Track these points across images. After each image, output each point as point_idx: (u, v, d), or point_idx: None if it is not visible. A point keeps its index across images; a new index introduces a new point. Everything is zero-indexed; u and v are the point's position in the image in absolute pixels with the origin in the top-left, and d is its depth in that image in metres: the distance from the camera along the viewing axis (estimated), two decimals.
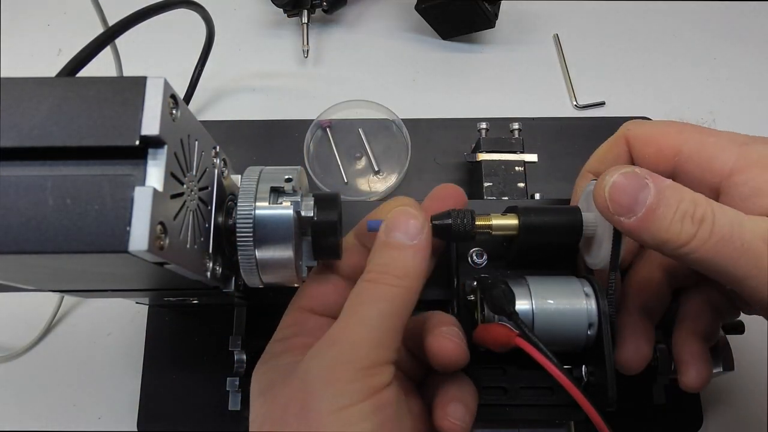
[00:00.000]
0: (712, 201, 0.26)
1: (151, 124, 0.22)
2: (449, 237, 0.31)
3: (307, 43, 0.54)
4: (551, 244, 0.33)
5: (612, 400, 0.30)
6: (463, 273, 0.35)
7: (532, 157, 0.44)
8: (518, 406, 0.34)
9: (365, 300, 0.27)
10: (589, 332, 0.32)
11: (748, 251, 0.25)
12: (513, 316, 0.30)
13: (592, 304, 0.32)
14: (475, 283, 0.33)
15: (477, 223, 0.31)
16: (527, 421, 0.35)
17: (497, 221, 0.32)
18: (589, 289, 0.32)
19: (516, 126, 0.45)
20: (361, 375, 0.25)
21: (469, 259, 0.35)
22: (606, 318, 0.31)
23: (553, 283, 0.33)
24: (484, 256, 0.36)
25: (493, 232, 0.32)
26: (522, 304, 0.32)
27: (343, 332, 0.26)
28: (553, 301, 0.32)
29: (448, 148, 0.50)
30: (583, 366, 0.33)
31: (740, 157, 0.29)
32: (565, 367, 0.28)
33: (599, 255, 0.33)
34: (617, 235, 0.30)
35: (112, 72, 0.48)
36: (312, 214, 0.29)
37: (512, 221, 0.32)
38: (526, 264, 0.35)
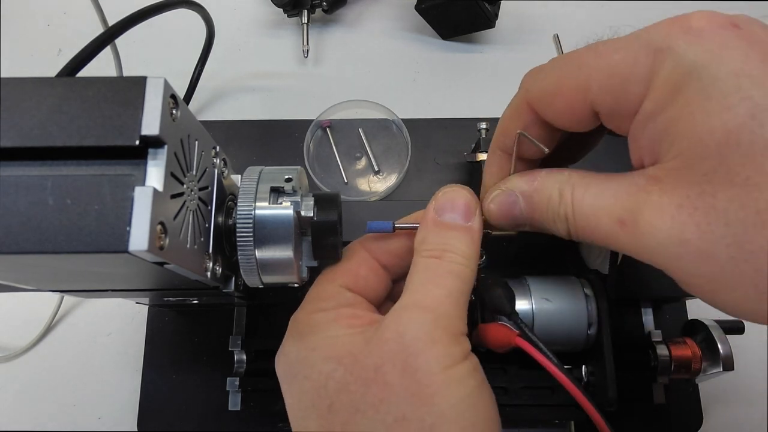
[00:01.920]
0: (577, 181, 0.24)
1: (151, 124, 0.22)
2: None
3: (307, 43, 0.54)
4: (551, 244, 0.33)
5: (612, 400, 0.30)
6: None
7: None
8: (518, 406, 0.34)
9: (442, 274, 0.27)
10: (589, 332, 0.32)
11: (607, 236, 0.23)
12: (513, 316, 0.30)
13: (592, 304, 0.32)
14: (475, 283, 0.33)
15: None
16: (527, 421, 0.35)
17: None
18: (589, 289, 0.32)
19: None
20: (455, 340, 0.26)
21: None
22: (606, 318, 0.31)
23: (553, 283, 0.33)
24: (484, 256, 0.36)
25: (493, 232, 0.32)
26: (522, 304, 0.32)
27: (432, 300, 0.26)
28: (553, 301, 0.32)
29: (448, 148, 0.50)
30: (583, 366, 0.33)
31: (651, 74, 0.21)
32: (565, 367, 0.28)
33: (599, 255, 0.33)
34: None
35: (112, 72, 0.48)
36: (312, 214, 0.29)
37: None
38: (526, 264, 0.35)
